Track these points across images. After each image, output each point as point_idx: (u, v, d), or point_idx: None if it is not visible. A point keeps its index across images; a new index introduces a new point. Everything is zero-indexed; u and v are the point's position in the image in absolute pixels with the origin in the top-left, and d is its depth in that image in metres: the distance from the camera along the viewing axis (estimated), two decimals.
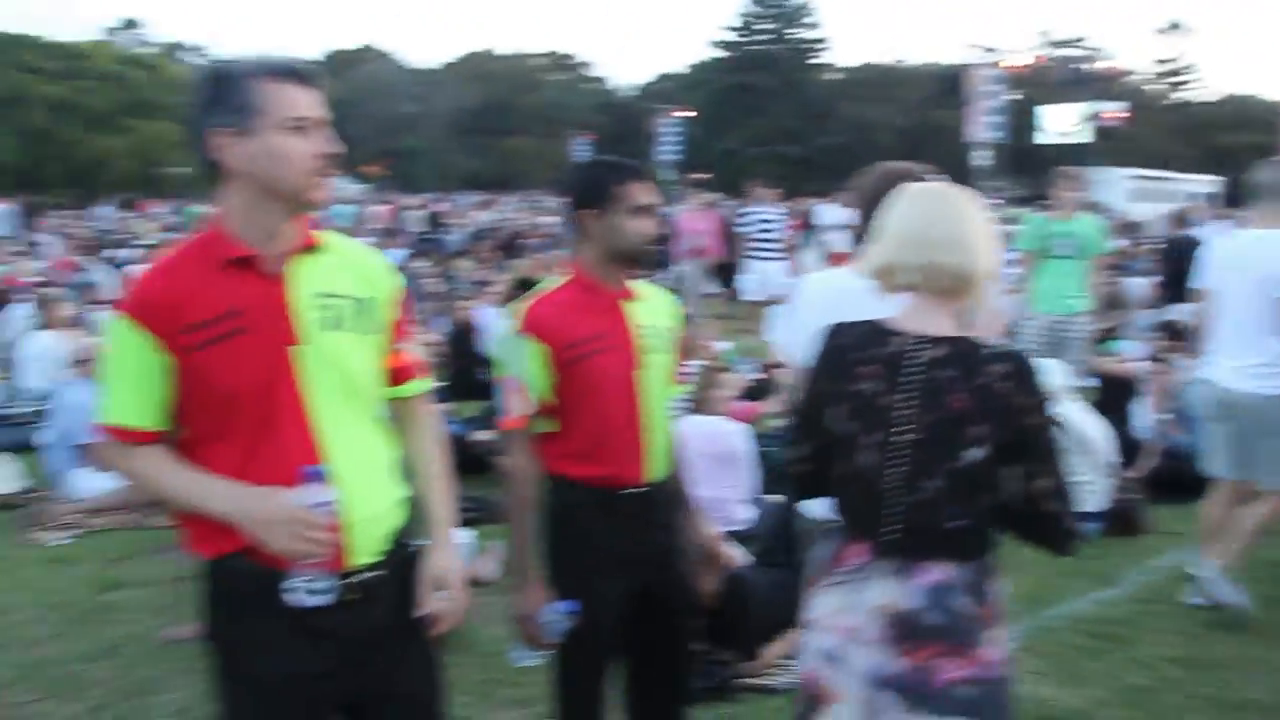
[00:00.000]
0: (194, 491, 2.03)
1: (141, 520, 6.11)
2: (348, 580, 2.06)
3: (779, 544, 4.64)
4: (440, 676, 2.30)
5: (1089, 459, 5.79)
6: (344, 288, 2.12)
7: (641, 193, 2.75)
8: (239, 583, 2.06)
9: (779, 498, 5.21)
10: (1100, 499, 5.84)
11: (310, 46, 79.55)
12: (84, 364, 6.78)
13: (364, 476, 2.10)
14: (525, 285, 11.09)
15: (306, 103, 2.02)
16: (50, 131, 51.92)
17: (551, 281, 2.90)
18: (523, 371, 2.73)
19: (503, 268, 14.49)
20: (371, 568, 2.10)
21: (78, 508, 6.21)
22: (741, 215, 13.05)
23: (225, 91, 1.99)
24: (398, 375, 2.27)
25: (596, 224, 2.75)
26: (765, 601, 4.23)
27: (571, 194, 2.84)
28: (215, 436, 2.04)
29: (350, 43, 67.87)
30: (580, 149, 32.95)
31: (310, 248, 2.10)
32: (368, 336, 2.15)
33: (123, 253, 17.49)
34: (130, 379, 2.02)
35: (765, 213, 12.47)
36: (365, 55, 63.71)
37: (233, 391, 2.00)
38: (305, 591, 2.00)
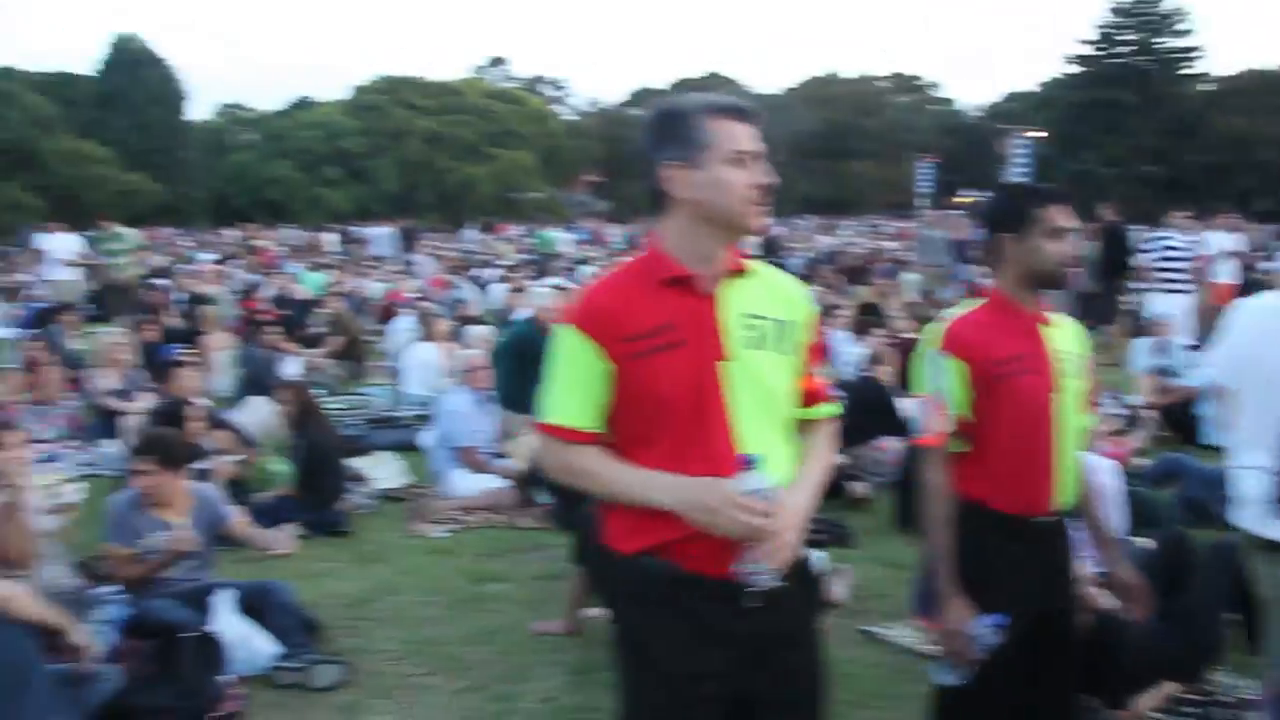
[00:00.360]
0: (635, 484, 2.16)
1: (511, 520, 6.56)
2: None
3: (1168, 590, 4.34)
4: (825, 687, 2.35)
5: None
6: (767, 310, 2.24)
7: (1060, 216, 2.74)
8: (650, 579, 2.18)
9: (1148, 541, 4.89)
10: None
11: (659, 76, 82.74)
12: (464, 374, 7.36)
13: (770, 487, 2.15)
14: (870, 310, 11.03)
15: (747, 137, 2.16)
16: (424, 161, 56.90)
17: (968, 303, 2.93)
18: (943, 389, 2.76)
19: (847, 292, 14.42)
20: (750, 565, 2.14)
21: (455, 504, 6.74)
22: (1146, 242, 12.08)
23: (676, 128, 2.17)
24: (808, 398, 2.34)
25: (1015, 247, 2.77)
26: (1137, 648, 3.97)
27: (989, 218, 2.88)
28: (644, 441, 2.18)
29: (697, 71, 69.63)
30: (924, 172, 32.30)
31: (739, 271, 2.23)
32: (786, 357, 2.25)
33: (486, 272, 18.83)
34: (574, 383, 2.20)
35: (1172, 239, 11.44)
36: (711, 82, 65.31)
37: (665, 399, 2.14)
38: (755, 573, 2.09)
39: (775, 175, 2.20)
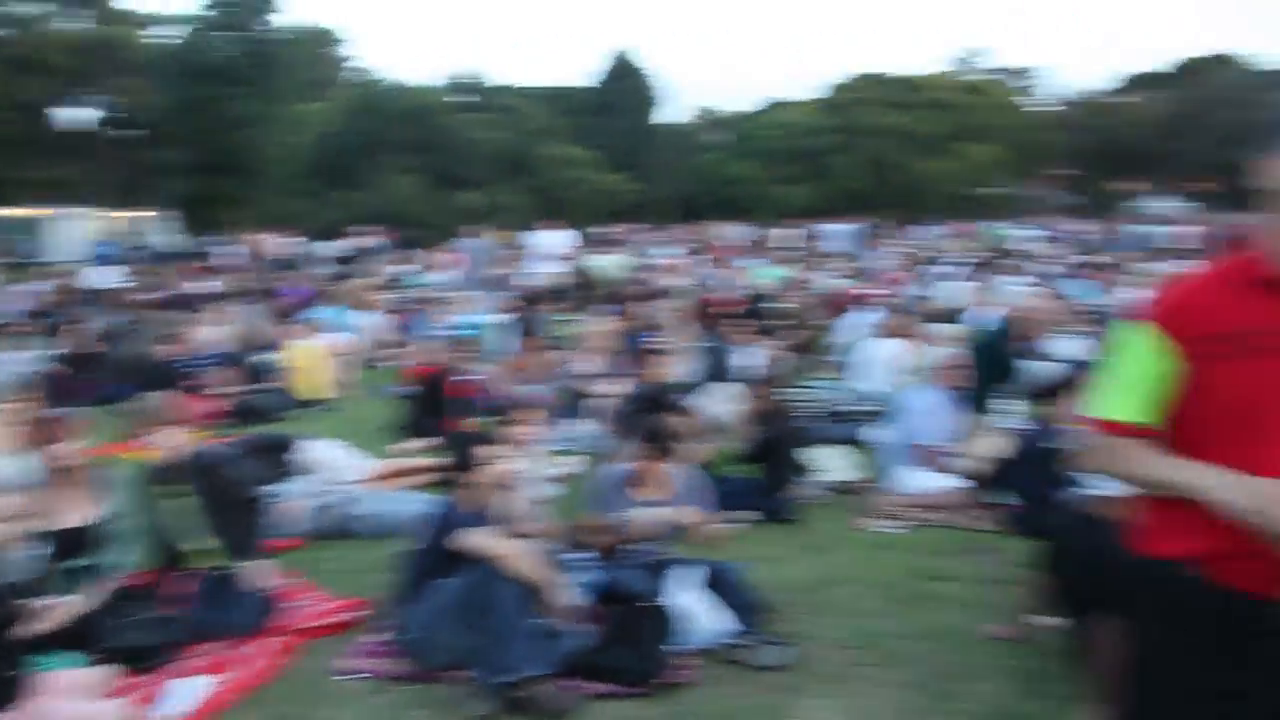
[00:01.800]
0: (1183, 477, 2.09)
1: (964, 521, 6.44)
2: None
3: None
4: None
5: None
6: None
7: None
8: (1182, 587, 2.13)
9: None
10: None
11: (1157, 60, 76.01)
12: (935, 371, 7.32)
13: None
14: None
15: None
16: (887, 158, 56.54)
17: None
18: None
19: None
20: None
21: (905, 501, 6.70)
22: None
23: (1267, 117, 2.06)
24: None
25: None
26: None
27: None
28: (1204, 445, 2.11)
29: (1203, 50, 62.71)
30: None
31: None
32: None
33: (933, 269, 18.37)
34: (1138, 379, 2.16)
35: None
36: (1216, 63, 58.92)
37: (1223, 404, 2.07)
38: None
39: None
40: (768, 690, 4.31)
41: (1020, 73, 68.75)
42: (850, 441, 7.98)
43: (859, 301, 12.70)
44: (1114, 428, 2.18)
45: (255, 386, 10.53)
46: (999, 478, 6.48)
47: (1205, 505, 2.04)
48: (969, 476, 6.68)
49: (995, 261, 18.56)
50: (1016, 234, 26.37)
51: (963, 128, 57.24)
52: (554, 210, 33.51)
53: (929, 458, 6.88)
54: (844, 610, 5.14)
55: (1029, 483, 6.15)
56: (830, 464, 7.42)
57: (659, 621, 4.58)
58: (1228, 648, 2.09)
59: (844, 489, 7.17)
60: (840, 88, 60.40)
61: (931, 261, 20.08)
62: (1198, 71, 57.53)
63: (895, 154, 56.43)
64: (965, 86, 61.10)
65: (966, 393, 7.21)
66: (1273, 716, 2.12)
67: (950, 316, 11.93)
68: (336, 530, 6.37)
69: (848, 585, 5.47)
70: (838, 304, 13.65)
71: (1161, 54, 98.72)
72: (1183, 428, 2.13)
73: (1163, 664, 2.19)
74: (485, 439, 5.04)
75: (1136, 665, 2.25)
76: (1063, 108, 64.24)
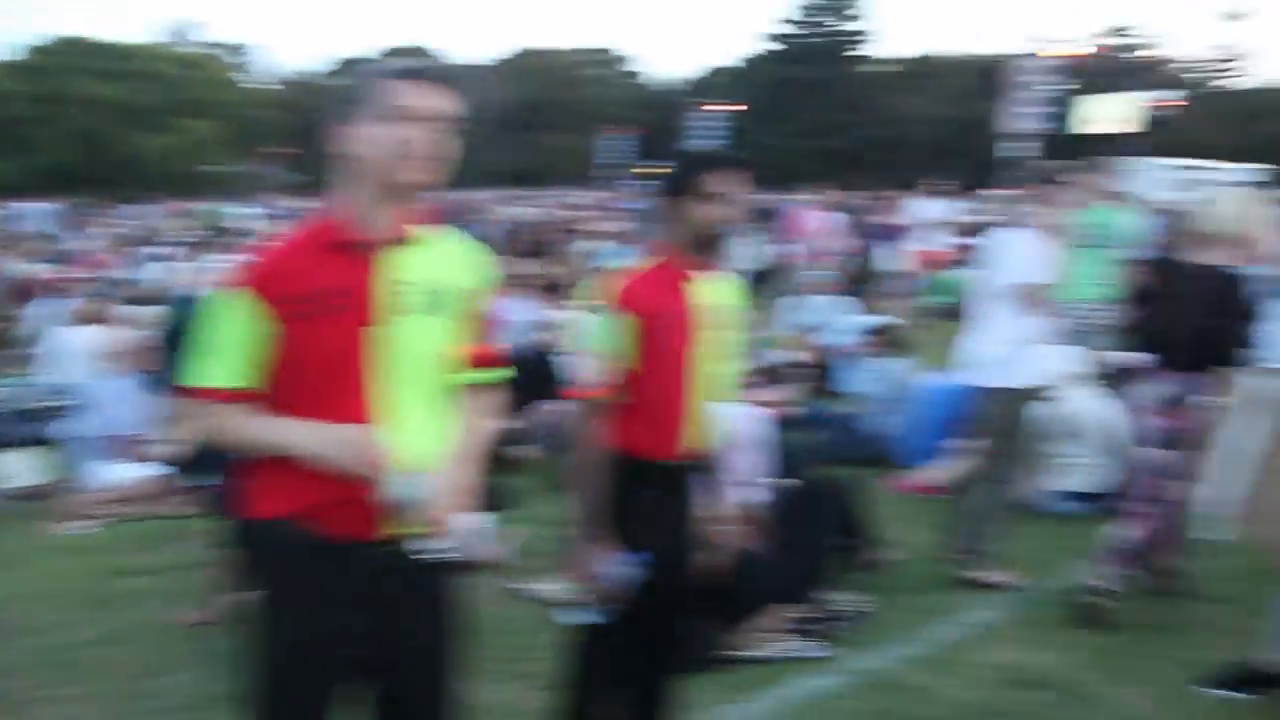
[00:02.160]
0: (280, 436, 2.19)
1: (163, 509, 6.21)
2: (392, 546, 2.21)
3: (788, 526, 4.68)
4: (459, 651, 2.42)
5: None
6: (433, 276, 2.25)
7: (719, 181, 2.88)
8: (285, 544, 2.22)
9: (793, 482, 5.22)
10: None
11: (362, 46, 79.98)
12: (120, 357, 6.91)
13: (415, 452, 2.19)
14: (546, 279, 11.09)
15: (414, 96, 2.13)
16: (98, 131, 52.67)
17: (641, 261, 3.04)
18: (610, 344, 2.88)
19: (526, 261, 14.46)
20: (409, 537, 2.21)
21: (101, 498, 6.28)
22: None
23: (347, 89, 2.20)
24: (473, 363, 2.37)
25: (677, 209, 2.92)
26: (756, 577, 4.31)
27: (661, 183, 3.03)
28: (289, 401, 2.19)
29: (404, 41, 67.24)
30: (608, 144, 32.94)
31: (407, 238, 2.22)
32: (442, 323, 2.27)
33: (145, 249, 17.64)
34: (232, 344, 2.17)
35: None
36: (414, 53, 63.56)
37: (311, 362, 2.16)
38: (420, 546, 2.20)
39: (452, 141, 2.17)
40: None
41: (235, 49, 68.44)
42: (39, 441, 7.26)
43: (52, 288, 11.64)
44: (211, 394, 2.20)
45: None
46: (198, 459, 6.33)
47: (303, 460, 2.16)
48: (168, 462, 6.45)
49: (212, 240, 18.18)
50: (236, 212, 26.11)
51: (180, 102, 55.51)
52: None
53: (125, 448, 6.53)
54: (24, 630, 4.65)
55: (226, 461, 6.10)
56: (15, 469, 6.73)
57: None
58: (339, 593, 2.22)
59: (33, 494, 6.56)
60: (38, 50, 54.98)
61: (146, 242, 19.13)
62: (398, 58, 62.05)
63: (107, 126, 52.90)
64: (180, 59, 59.34)
65: (161, 375, 6.94)
66: (375, 655, 2.29)
67: (159, 298, 11.42)
68: None
69: (28, 601, 4.98)
70: (24, 290, 12.40)
71: (369, 40, 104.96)
72: (281, 388, 2.20)
73: (271, 617, 2.26)
74: None
75: (254, 622, 2.29)
76: (280, 86, 65.19)
